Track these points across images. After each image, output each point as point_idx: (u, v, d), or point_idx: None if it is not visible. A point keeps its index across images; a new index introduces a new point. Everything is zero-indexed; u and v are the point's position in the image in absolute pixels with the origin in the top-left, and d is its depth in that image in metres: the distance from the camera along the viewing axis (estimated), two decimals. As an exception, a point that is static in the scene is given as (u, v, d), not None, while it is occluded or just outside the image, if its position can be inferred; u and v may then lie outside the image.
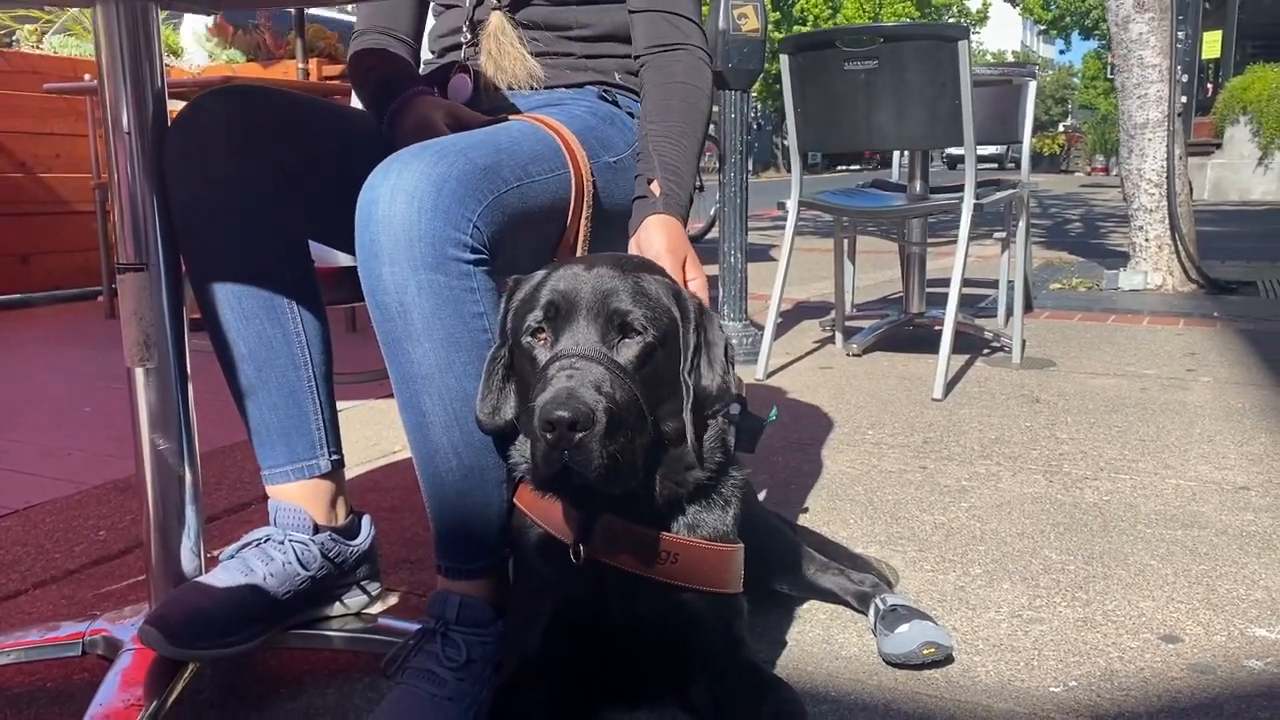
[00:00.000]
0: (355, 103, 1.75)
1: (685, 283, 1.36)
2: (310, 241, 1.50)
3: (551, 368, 1.12)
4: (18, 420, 2.90)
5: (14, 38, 5.48)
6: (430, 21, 1.71)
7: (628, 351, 1.16)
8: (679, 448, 1.22)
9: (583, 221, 1.44)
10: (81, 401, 3.08)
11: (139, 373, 1.33)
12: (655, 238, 1.41)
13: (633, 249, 1.44)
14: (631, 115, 1.59)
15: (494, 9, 1.54)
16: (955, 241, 3.24)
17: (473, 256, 1.23)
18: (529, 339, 1.19)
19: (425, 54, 1.72)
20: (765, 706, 1.22)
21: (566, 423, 1.05)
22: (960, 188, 3.22)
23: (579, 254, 1.44)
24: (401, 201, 1.19)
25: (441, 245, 1.20)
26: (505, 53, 1.54)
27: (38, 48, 5.49)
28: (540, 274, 1.23)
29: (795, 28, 31.80)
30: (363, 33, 1.66)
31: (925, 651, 1.43)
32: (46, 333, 4.44)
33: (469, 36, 1.58)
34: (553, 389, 1.08)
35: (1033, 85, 3.81)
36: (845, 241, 3.93)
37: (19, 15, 5.68)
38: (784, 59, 3.37)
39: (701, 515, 1.26)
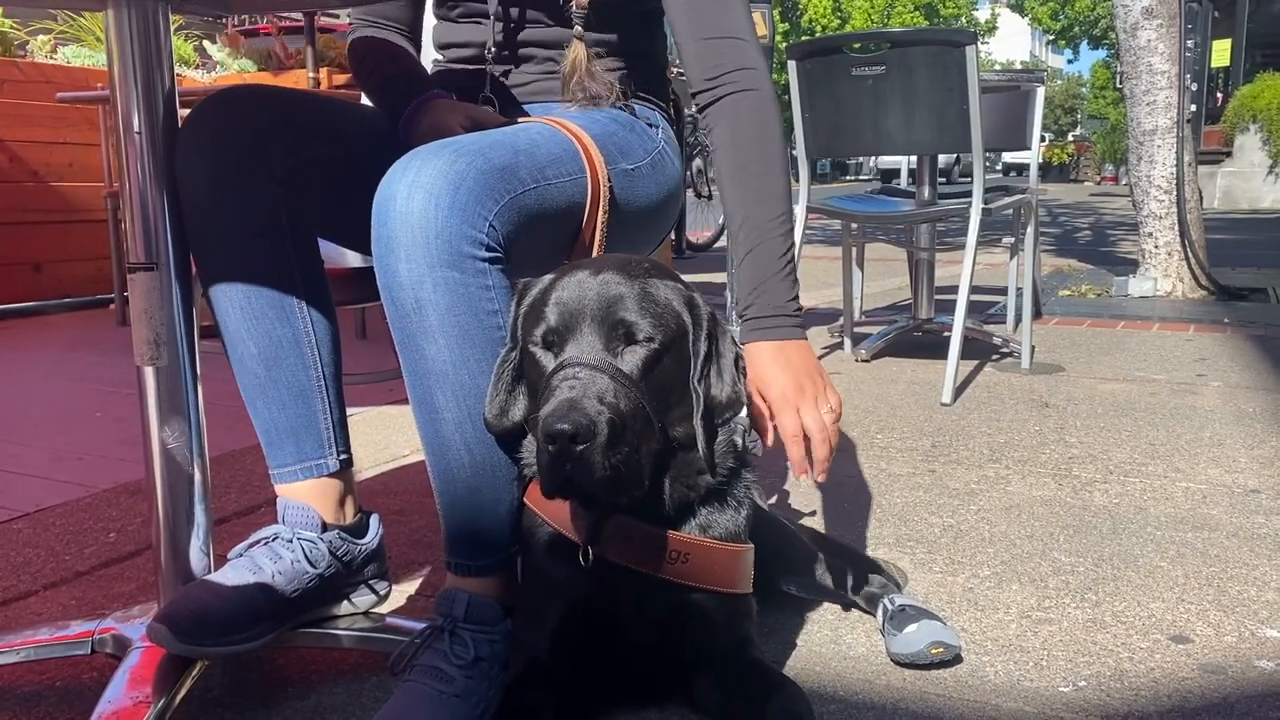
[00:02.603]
0: (367, 102, 1.75)
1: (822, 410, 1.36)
2: (321, 242, 1.51)
3: (555, 377, 1.12)
4: (30, 425, 2.91)
5: (27, 48, 5.52)
6: (430, 20, 1.70)
7: (633, 359, 1.15)
8: (690, 452, 1.22)
9: (598, 226, 1.44)
10: (92, 407, 3.09)
11: (148, 371, 1.33)
12: (773, 373, 1.37)
13: (752, 390, 1.37)
14: (650, 125, 1.60)
15: (575, 38, 1.53)
16: (964, 248, 3.25)
17: (488, 255, 1.23)
18: (535, 346, 1.19)
19: (429, 50, 1.72)
20: (771, 705, 1.21)
21: (567, 435, 1.05)
22: (969, 193, 3.22)
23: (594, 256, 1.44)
24: (419, 198, 1.20)
25: (458, 242, 1.20)
26: (595, 79, 1.54)
27: (51, 58, 5.53)
28: (548, 278, 1.23)
29: (804, 38, 31.82)
30: (357, 25, 1.66)
31: (933, 651, 1.42)
32: (59, 340, 4.46)
33: (493, 53, 1.58)
34: (554, 401, 1.08)
35: (1041, 91, 3.82)
36: (854, 248, 3.93)
37: (33, 28, 5.73)
38: (791, 65, 3.38)
39: (713, 516, 1.26)
